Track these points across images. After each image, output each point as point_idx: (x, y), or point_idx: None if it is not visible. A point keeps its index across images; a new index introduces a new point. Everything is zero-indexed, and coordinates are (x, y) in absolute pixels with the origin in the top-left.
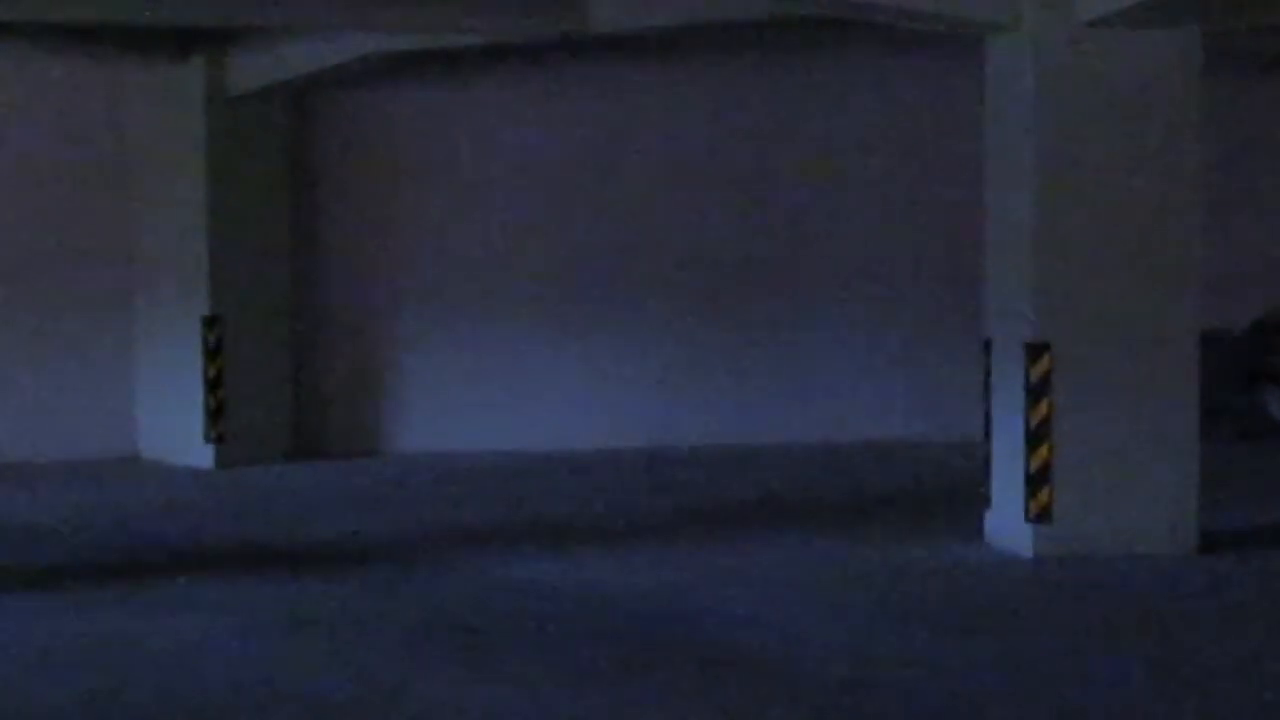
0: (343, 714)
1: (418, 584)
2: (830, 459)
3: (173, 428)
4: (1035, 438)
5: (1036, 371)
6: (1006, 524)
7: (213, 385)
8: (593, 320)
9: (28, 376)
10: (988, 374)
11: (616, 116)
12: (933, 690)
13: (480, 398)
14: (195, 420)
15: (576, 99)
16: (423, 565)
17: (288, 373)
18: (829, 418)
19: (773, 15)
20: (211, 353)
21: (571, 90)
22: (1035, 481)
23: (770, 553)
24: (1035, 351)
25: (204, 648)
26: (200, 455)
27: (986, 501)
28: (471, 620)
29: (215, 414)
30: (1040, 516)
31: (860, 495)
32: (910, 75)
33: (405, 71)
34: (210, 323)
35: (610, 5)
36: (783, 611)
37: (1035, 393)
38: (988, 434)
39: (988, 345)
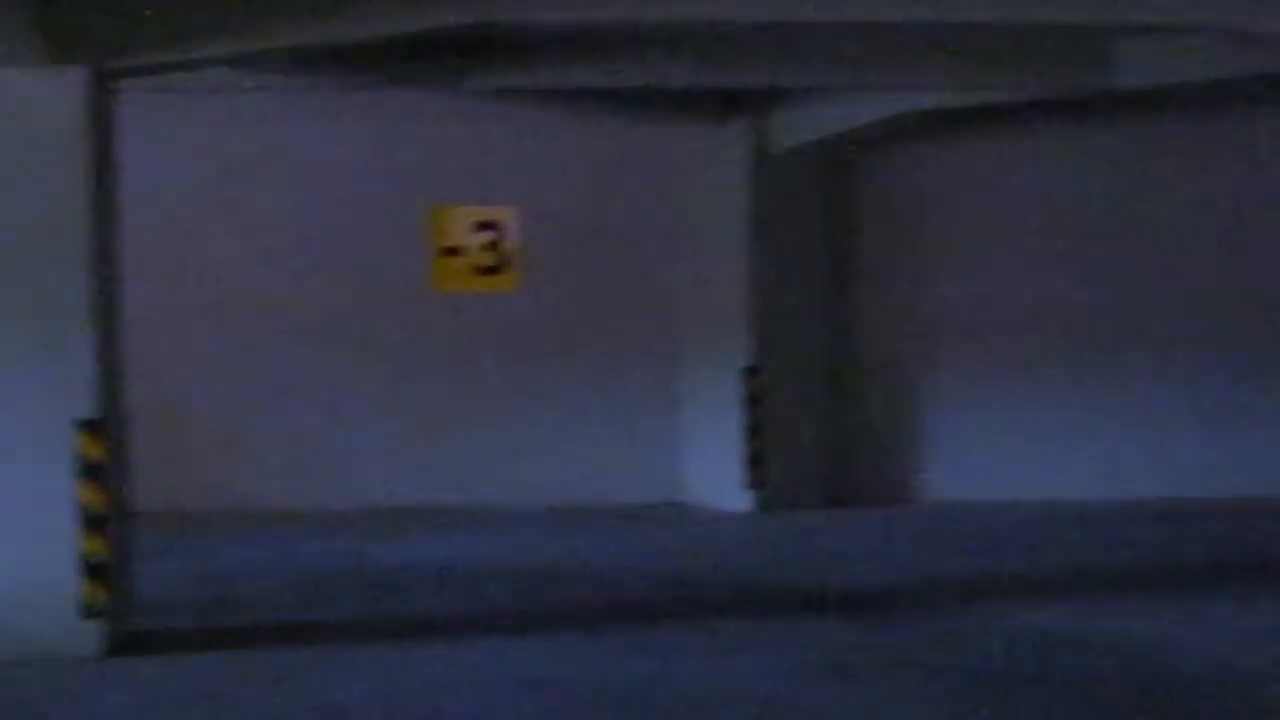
0: None
1: (946, 631)
2: None
3: (714, 474)
4: None
5: None
6: None
7: (752, 433)
8: (1126, 369)
9: (579, 424)
10: None
11: (1143, 170)
12: None
13: (1012, 447)
14: (736, 467)
15: (1105, 153)
16: (952, 613)
17: (824, 421)
18: None
19: None
20: (751, 402)
21: (1100, 145)
22: None
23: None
24: None
25: (737, 691)
26: (740, 501)
27: None
28: (999, 669)
29: (755, 461)
30: None
31: None
32: None
33: (938, 128)
34: (750, 373)
35: (1136, 61)
36: None
37: None
38: None
39: None
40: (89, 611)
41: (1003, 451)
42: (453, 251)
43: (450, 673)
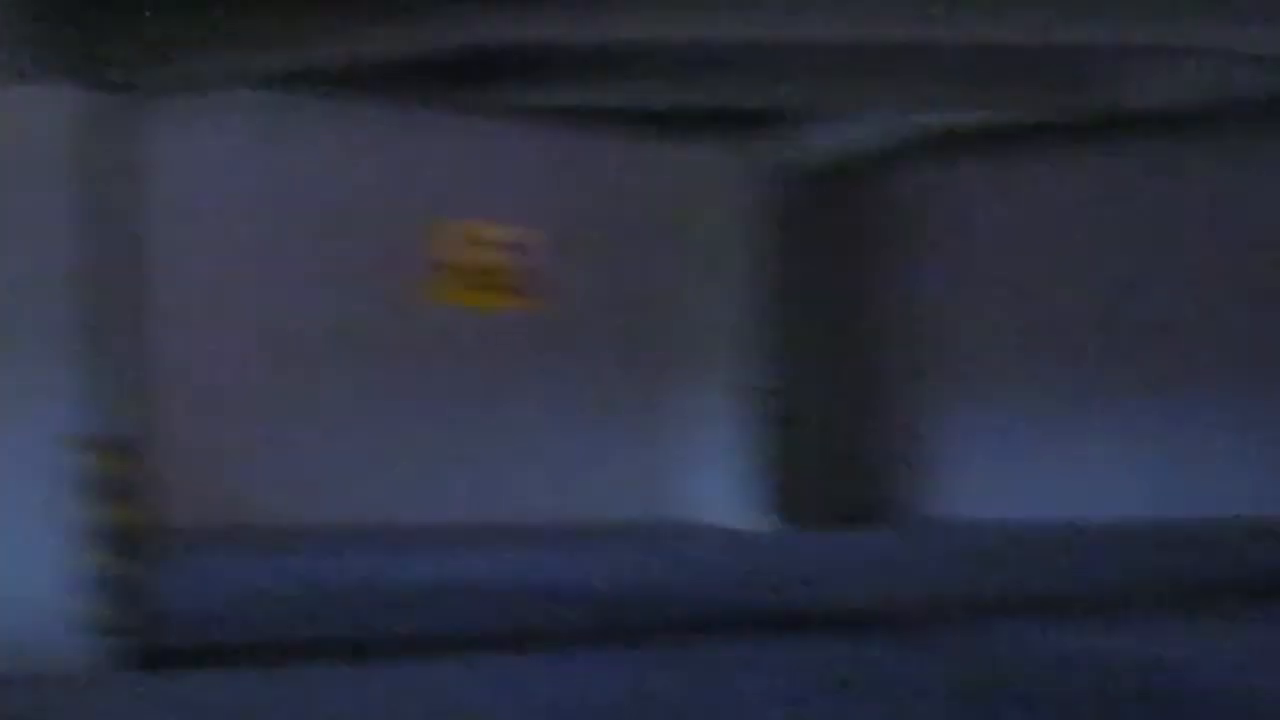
0: None
1: (955, 652)
2: None
3: (729, 493)
4: None
5: None
6: None
7: (767, 453)
8: (1146, 388)
9: (591, 442)
10: None
11: (1156, 192)
12: None
13: (1030, 466)
14: (751, 486)
15: (1122, 173)
16: (966, 633)
17: (839, 441)
18: None
19: None
20: (766, 421)
21: (1117, 164)
22: None
23: None
24: None
25: (752, 709)
26: (754, 520)
27: None
28: (1013, 689)
29: (769, 481)
30: None
31: None
32: None
33: (952, 147)
34: (765, 392)
35: (1148, 82)
36: None
37: None
38: None
39: None
40: (103, 628)
41: (1021, 471)
42: (457, 268)
43: (460, 692)
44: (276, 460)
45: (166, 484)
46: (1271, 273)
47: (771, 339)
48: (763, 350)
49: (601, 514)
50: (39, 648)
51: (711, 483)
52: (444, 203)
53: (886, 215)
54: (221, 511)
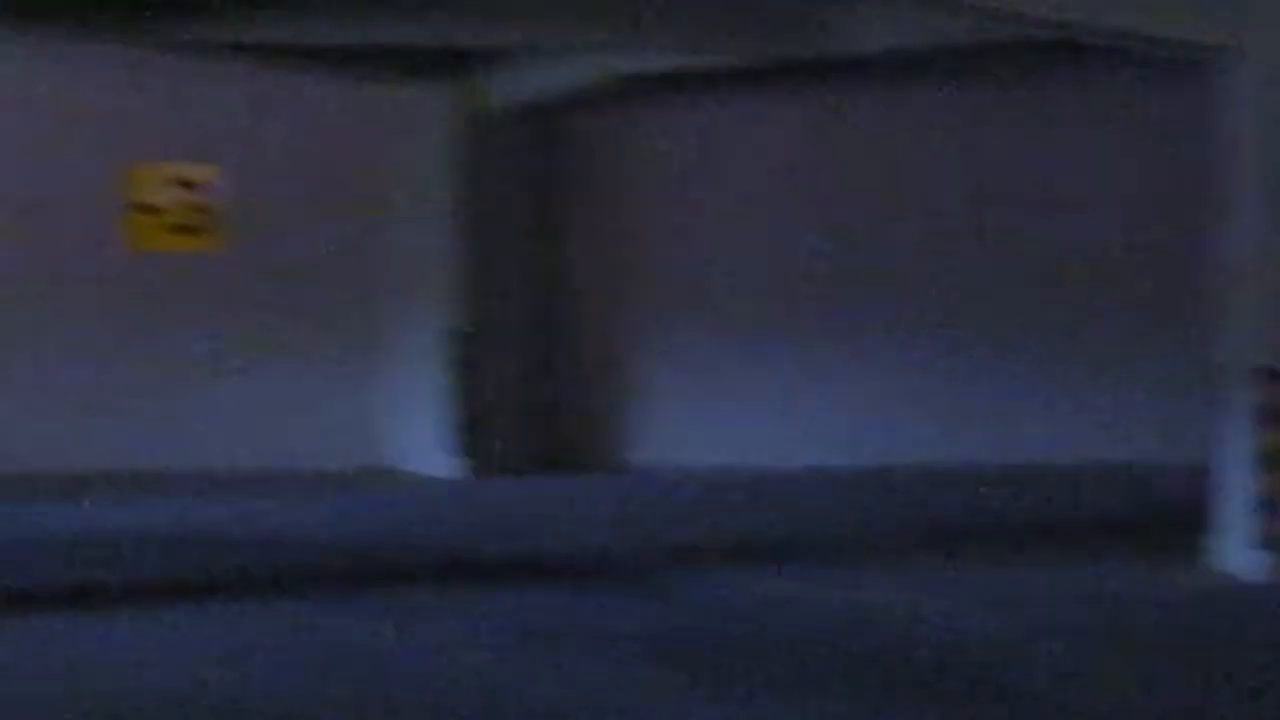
0: None
1: (650, 599)
2: (1054, 480)
3: (423, 439)
4: (1267, 463)
5: (1266, 397)
6: (1235, 549)
7: (462, 398)
8: (827, 338)
9: (284, 387)
10: (1216, 398)
11: (854, 138)
12: (1146, 713)
13: (722, 414)
14: (445, 432)
15: (816, 122)
16: (658, 580)
17: (534, 387)
18: (1049, 438)
19: (1015, 37)
20: (462, 366)
21: (811, 113)
22: (1267, 507)
23: (999, 573)
24: (1266, 377)
25: (438, 656)
26: (448, 467)
27: (1214, 526)
28: (699, 636)
29: (464, 426)
30: (1270, 542)
31: (1086, 518)
32: (1139, 100)
33: (651, 93)
34: (458, 337)
35: (853, 28)
36: (1010, 633)
37: (1266, 418)
38: (1215, 458)
39: (1218, 369)
40: None
41: (719, 417)
42: (149, 209)
43: (137, 643)
44: None
45: None
46: (973, 217)
47: (471, 282)
48: (462, 293)
49: (308, 462)
50: None
51: (415, 429)
52: (141, 143)
53: (586, 157)
54: None
